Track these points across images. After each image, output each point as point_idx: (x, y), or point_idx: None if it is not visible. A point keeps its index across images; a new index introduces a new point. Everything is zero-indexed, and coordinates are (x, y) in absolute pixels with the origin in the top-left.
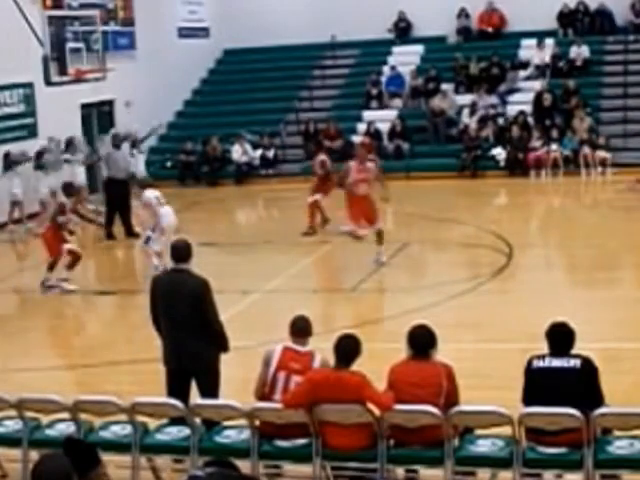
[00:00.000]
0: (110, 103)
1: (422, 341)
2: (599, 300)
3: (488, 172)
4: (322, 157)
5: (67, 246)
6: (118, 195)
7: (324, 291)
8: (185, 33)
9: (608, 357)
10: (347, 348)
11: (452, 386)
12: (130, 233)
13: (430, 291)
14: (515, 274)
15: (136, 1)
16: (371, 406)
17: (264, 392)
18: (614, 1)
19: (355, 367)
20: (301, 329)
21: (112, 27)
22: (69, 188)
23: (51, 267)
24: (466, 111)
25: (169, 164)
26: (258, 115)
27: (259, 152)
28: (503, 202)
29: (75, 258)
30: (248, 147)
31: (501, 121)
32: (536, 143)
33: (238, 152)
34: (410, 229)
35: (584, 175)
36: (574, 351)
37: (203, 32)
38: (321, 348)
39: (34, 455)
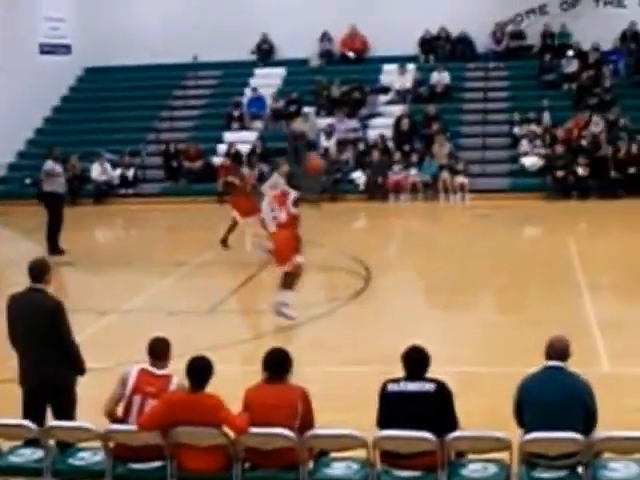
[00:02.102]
0: None
1: (277, 364)
2: (457, 323)
3: (348, 195)
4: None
5: None
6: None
7: (181, 313)
8: (46, 49)
9: (465, 380)
10: (200, 370)
11: (307, 409)
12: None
13: None
14: (373, 297)
15: None
16: (227, 429)
17: (114, 410)
18: (475, 28)
19: (212, 389)
20: (159, 351)
21: None
22: None
23: None
24: (322, 134)
25: (28, 181)
26: (118, 134)
27: (119, 171)
28: (362, 225)
29: None
30: (108, 166)
31: (361, 145)
32: (396, 167)
33: (97, 171)
34: None
35: (443, 200)
36: (430, 375)
37: (64, 49)
38: (177, 370)
39: None
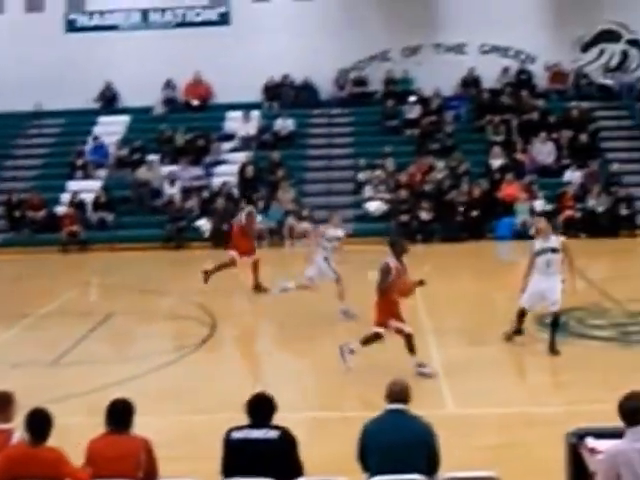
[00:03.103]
0: None
1: (119, 415)
2: (303, 369)
3: (193, 243)
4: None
5: None
6: None
7: (26, 364)
8: None
9: (312, 426)
10: (38, 423)
11: (150, 459)
12: None
13: (133, 363)
14: (219, 344)
15: None
16: None
17: None
18: (319, 75)
19: (56, 442)
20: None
21: None
22: None
23: None
24: (166, 182)
25: None
26: None
27: None
28: None
29: None
30: None
31: (206, 193)
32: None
33: None
34: (115, 300)
35: (288, 246)
36: (278, 421)
37: None
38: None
39: None
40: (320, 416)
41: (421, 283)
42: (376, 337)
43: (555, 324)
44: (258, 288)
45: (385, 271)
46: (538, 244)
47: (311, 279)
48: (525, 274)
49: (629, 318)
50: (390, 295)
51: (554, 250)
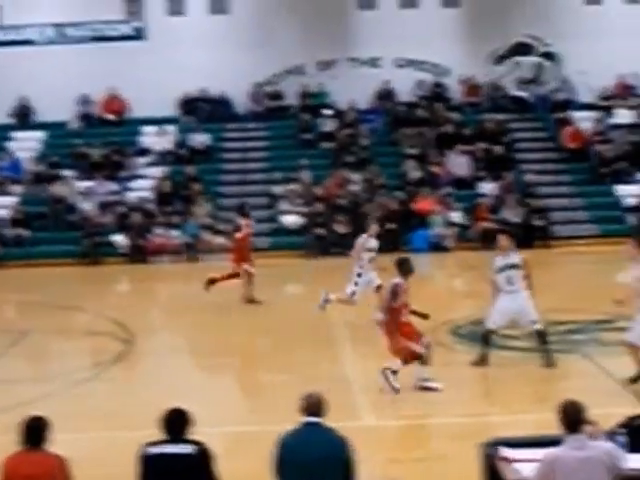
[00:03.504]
0: None
1: (33, 432)
2: (222, 384)
3: (109, 259)
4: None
5: None
6: None
7: None
8: None
9: (230, 440)
10: None
11: (65, 477)
12: None
13: (50, 381)
14: (136, 360)
15: None
16: None
17: None
18: (234, 89)
19: None
20: None
21: None
22: None
23: None
24: (81, 197)
25: None
26: None
27: None
28: (124, 289)
29: None
30: None
31: (122, 208)
32: (157, 229)
33: None
34: (31, 317)
35: (204, 261)
36: (197, 436)
37: None
38: None
39: None
40: (238, 430)
41: (425, 317)
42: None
43: (544, 340)
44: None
45: (394, 292)
46: (499, 261)
47: (353, 294)
48: (493, 294)
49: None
50: (399, 316)
51: (514, 266)
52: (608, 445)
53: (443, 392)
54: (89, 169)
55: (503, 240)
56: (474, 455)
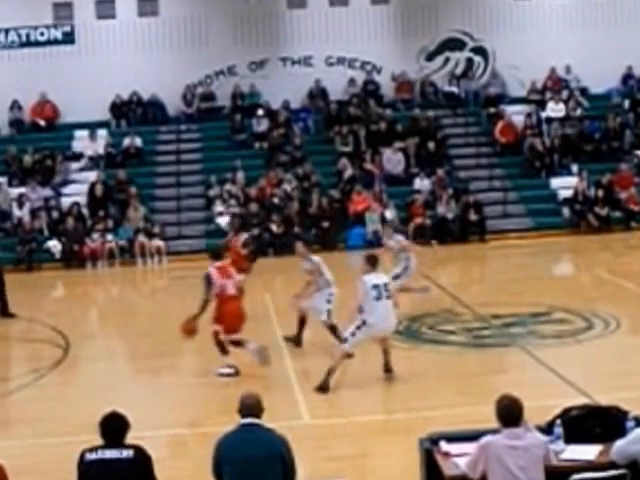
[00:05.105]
0: None
1: None
2: (160, 387)
3: (44, 265)
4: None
5: None
6: None
7: None
8: None
9: (171, 443)
10: None
11: None
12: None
13: None
14: (74, 366)
15: None
16: None
17: None
18: (166, 92)
19: None
20: None
21: None
22: None
23: None
24: (15, 204)
25: None
26: None
27: None
28: (60, 295)
29: None
30: None
31: (55, 213)
32: (92, 234)
33: None
34: None
35: (140, 264)
36: (136, 440)
37: None
38: None
39: None
40: (178, 433)
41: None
42: None
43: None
44: None
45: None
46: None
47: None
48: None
49: (481, 322)
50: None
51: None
52: (542, 437)
53: (380, 388)
54: (21, 175)
55: (299, 247)
56: (413, 450)
